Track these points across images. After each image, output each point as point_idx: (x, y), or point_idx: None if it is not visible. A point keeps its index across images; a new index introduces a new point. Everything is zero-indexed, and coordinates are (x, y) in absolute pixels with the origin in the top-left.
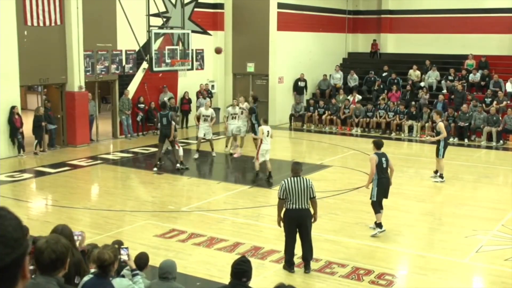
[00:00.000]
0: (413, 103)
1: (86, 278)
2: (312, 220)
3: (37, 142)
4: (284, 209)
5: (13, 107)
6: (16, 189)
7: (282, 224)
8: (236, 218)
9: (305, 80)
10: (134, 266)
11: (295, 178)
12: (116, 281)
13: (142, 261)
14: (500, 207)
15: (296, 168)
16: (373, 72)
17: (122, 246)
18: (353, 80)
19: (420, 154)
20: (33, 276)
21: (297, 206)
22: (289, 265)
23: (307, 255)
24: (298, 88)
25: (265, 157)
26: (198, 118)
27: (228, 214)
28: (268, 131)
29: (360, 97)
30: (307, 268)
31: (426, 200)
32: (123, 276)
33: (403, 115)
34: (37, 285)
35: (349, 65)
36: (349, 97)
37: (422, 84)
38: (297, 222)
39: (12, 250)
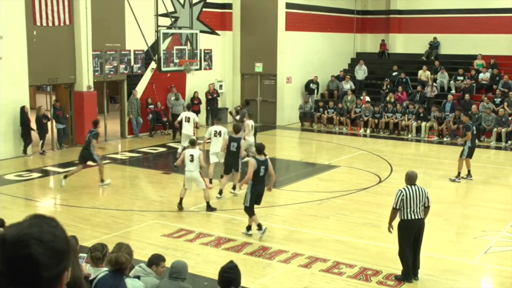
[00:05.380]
0: (421, 110)
1: (101, 274)
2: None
3: (43, 141)
4: (399, 220)
5: (23, 107)
6: (25, 188)
7: (398, 236)
8: (244, 218)
9: (317, 83)
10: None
11: (413, 187)
12: (129, 282)
13: (155, 260)
14: (509, 208)
15: (413, 177)
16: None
17: (81, 254)
18: (362, 71)
19: (428, 155)
20: None
21: (414, 217)
22: (409, 278)
23: (417, 263)
24: (310, 90)
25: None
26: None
27: (236, 214)
28: (215, 131)
29: (368, 98)
30: (416, 275)
31: (435, 201)
32: (138, 277)
33: (412, 115)
34: None
35: (357, 65)
36: (361, 97)
37: (434, 84)
38: (415, 232)
39: (59, 262)
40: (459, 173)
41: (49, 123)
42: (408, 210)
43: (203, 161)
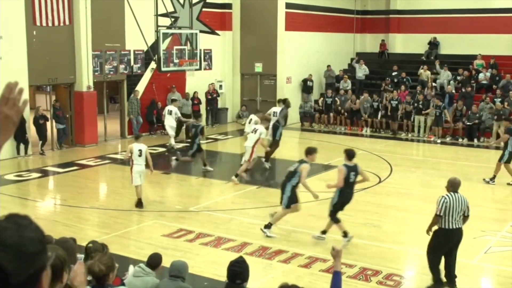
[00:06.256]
0: (420, 97)
1: None
2: None
3: (42, 142)
4: (436, 227)
5: None
6: (25, 188)
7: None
8: (244, 218)
9: (313, 81)
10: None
11: (455, 195)
12: None
13: (153, 260)
14: (509, 208)
15: (456, 184)
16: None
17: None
18: (362, 70)
19: (428, 155)
20: None
21: (454, 226)
22: (440, 284)
23: (454, 273)
24: (307, 88)
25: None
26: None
27: (235, 214)
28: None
29: (369, 98)
30: (454, 284)
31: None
32: (123, 284)
33: (409, 105)
34: None
35: (357, 64)
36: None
37: (432, 84)
38: (453, 243)
39: (30, 266)
40: (494, 176)
41: (48, 123)
42: (450, 218)
43: (149, 155)
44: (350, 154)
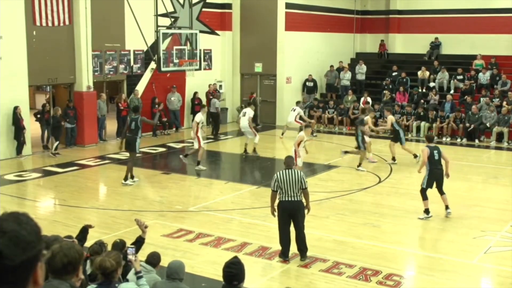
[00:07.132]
0: (421, 101)
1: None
2: (306, 212)
3: (58, 143)
4: (277, 201)
5: (16, 107)
6: (25, 188)
7: (276, 214)
8: (243, 218)
9: (313, 81)
10: (138, 268)
11: (287, 171)
12: (121, 286)
13: (155, 257)
14: (508, 208)
15: (288, 161)
16: (404, 74)
17: (128, 246)
18: (361, 70)
19: None
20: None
21: (289, 198)
22: (283, 257)
23: (301, 246)
24: (307, 89)
25: None
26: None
27: (235, 214)
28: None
29: (370, 100)
30: (302, 257)
31: (435, 201)
32: (127, 280)
33: (410, 116)
34: (50, 286)
35: (357, 65)
36: (362, 99)
37: (431, 84)
38: (289, 213)
39: (23, 252)
40: None
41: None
42: None
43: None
44: (429, 137)
